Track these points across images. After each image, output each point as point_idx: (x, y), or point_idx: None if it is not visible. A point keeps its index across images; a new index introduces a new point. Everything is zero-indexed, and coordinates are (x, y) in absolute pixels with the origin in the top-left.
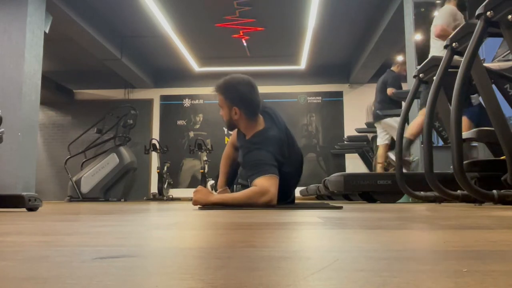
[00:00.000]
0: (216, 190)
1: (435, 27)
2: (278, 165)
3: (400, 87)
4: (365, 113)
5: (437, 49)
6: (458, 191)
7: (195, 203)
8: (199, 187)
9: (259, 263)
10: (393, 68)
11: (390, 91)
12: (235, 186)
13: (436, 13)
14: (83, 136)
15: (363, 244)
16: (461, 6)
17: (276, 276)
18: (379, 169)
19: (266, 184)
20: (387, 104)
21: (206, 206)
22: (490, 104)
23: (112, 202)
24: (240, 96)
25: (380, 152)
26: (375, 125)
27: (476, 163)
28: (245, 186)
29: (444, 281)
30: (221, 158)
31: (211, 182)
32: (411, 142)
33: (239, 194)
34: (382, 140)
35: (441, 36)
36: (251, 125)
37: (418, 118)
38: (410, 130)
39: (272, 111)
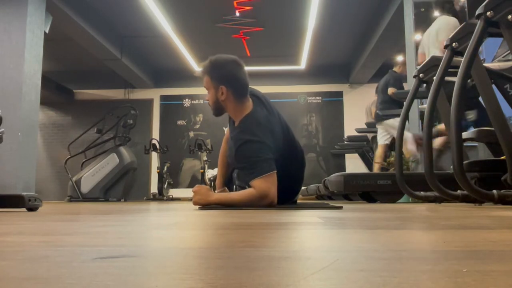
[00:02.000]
0: (215, 186)
1: (441, 43)
2: (275, 156)
3: (402, 88)
4: (364, 113)
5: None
6: (458, 191)
7: (195, 204)
8: (198, 187)
9: (259, 263)
10: (395, 68)
11: (391, 91)
12: (234, 186)
13: (437, 15)
14: (83, 136)
15: (363, 244)
16: (454, 14)
17: (276, 276)
18: (376, 168)
19: (264, 186)
20: (389, 105)
21: (206, 206)
22: (490, 104)
23: (112, 202)
24: (227, 75)
25: (379, 152)
26: (377, 125)
27: (476, 163)
28: (243, 188)
29: (444, 281)
30: None
31: (211, 173)
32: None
33: (239, 196)
34: (382, 140)
35: None
36: (239, 107)
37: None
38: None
39: (264, 97)
